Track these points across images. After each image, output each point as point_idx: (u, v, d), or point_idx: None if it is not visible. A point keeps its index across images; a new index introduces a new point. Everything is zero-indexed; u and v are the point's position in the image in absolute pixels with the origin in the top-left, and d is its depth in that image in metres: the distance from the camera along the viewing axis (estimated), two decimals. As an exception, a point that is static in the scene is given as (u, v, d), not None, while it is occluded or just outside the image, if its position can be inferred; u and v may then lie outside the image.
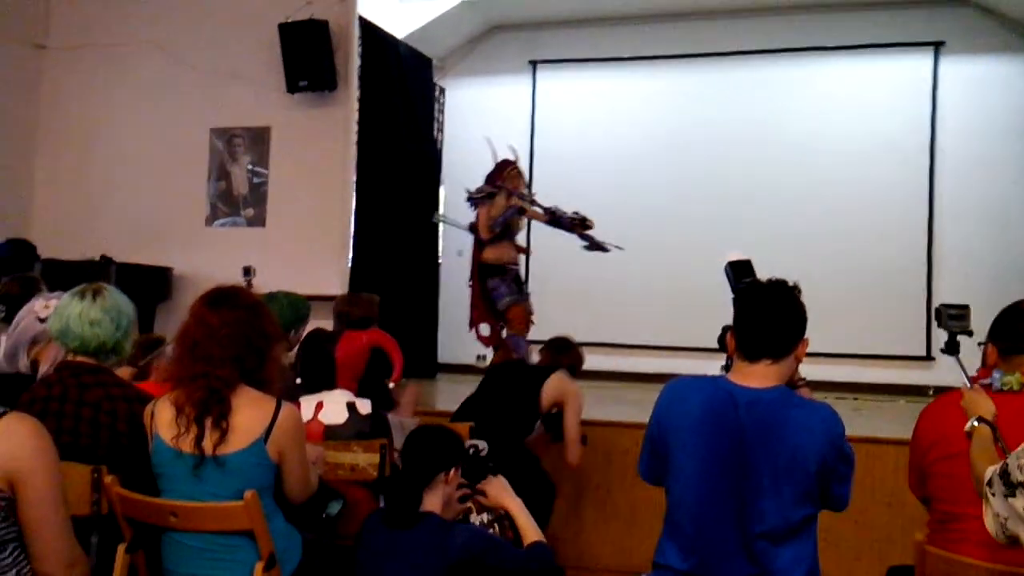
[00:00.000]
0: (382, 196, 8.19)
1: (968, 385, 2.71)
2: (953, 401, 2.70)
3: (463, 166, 9.35)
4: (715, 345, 3.00)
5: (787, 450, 2.46)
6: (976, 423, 2.48)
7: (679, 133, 9.66)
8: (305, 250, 7.73)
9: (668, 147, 9.65)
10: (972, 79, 9.04)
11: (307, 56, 7.57)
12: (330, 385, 3.91)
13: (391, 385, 4.52)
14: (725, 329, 2.81)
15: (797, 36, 9.43)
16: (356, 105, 7.94)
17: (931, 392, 7.55)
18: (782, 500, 2.44)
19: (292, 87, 7.69)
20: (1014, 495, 2.11)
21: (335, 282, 7.59)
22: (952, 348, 3.14)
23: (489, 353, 7.27)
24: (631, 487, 5.13)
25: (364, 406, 3.77)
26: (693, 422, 2.57)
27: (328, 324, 4.85)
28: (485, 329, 6.80)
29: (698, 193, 9.45)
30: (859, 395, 8.09)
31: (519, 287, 6.79)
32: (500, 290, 6.63)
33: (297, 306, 4.49)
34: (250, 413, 2.71)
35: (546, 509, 4.75)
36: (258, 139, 8.04)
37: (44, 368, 3.18)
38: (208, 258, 7.78)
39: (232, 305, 2.79)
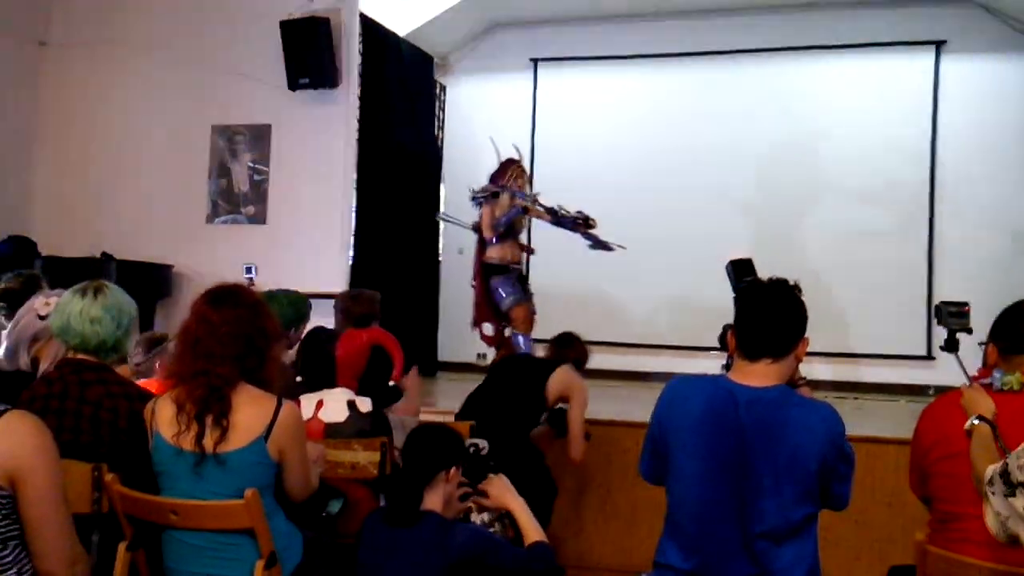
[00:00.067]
0: (383, 194, 8.19)
1: (968, 383, 2.71)
2: (954, 401, 2.70)
3: (464, 164, 9.37)
4: (716, 344, 3.00)
5: (788, 449, 2.46)
6: (976, 421, 2.49)
7: (680, 131, 9.65)
8: (306, 248, 7.72)
9: (669, 145, 9.63)
10: (974, 78, 9.03)
11: (308, 53, 7.56)
12: (330, 383, 3.91)
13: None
14: (726, 328, 2.82)
15: (799, 35, 9.42)
16: (357, 103, 7.94)
17: (932, 392, 7.55)
18: (783, 499, 2.44)
19: (293, 84, 7.68)
20: (1014, 494, 2.11)
21: (336, 280, 7.59)
22: (952, 345, 3.15)
23: (491, 352, 7.27)
24: (632, 486, 5.13)
25: (364, 404, 3.76)
26: (694, 421, 2.57)
27: (328, 322, 4.84)
28: (488, 328, 6.81)
29: (699, 192, 9.44)
30: (860, 394, 8.09)
31: (522, 287, 6.79)
32: (503, 290, 6.63)
33: (297, 304, 4.49)
34: (251, 411, 2.71)
35: (547, 508, 4.76)
36: (259, 136, 8.03)
37: (45, 366, 3.18)
38: (209, 256, 7.78)
39: (233, 303, 2.79)
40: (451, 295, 9.23)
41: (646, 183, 9.53)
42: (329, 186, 7.84)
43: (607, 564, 5.24)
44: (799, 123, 9.36)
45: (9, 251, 7.46)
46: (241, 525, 2.65)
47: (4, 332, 3.47)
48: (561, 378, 4.69)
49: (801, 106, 9.43)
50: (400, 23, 8.86)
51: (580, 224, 6.79)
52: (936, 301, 8.18)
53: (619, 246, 6.88)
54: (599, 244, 6.85)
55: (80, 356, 2.94)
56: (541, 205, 6.80)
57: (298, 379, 4.13)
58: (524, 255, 6.98)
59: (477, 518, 3.12)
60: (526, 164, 7.28)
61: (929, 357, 8.70)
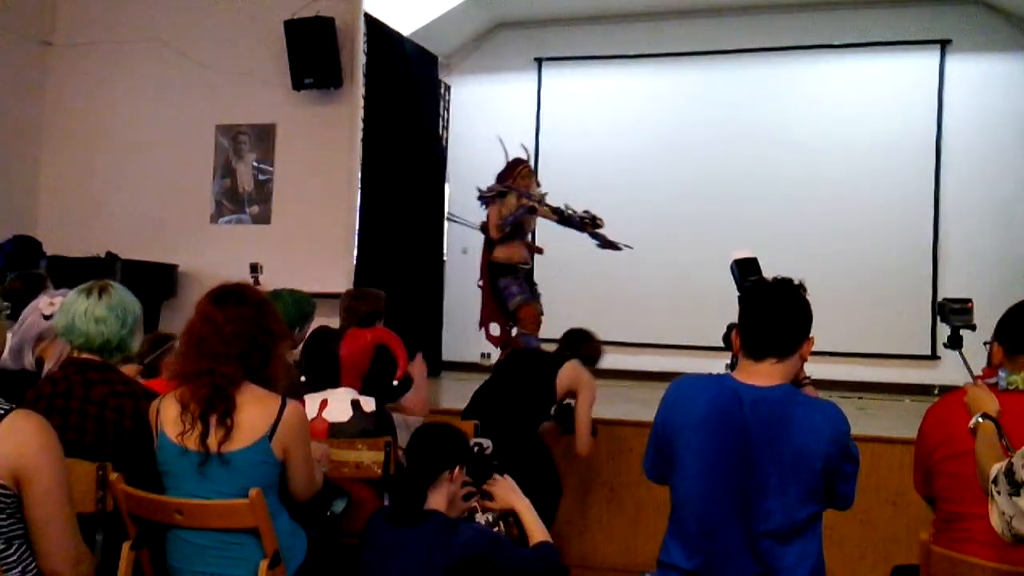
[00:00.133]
0: (387, 193, 8.19)
1: (972, 380, 2.70)
2: (958, 400, 2.70)
3: (468, 163, 9.38)
4: (720, 343, 3.00)
5: (792, 448, 2.45)
6: (980, 419, 2.48)
7: (684, 130, 9.65)
8: (310, 247, 7.73)
9: (673, 144, 9.64)
10: (978, 77, 9.02)
11: (313, 53, 7.57)
12: (334, 383, 3.91)
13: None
14: (730, 327, 2.81)
15: (803, 34, 9.42)
16: (361, 102, 7.94)
17: (936, 391, 7.53)
18: (787, 498, 2.44)
19: (297, 84, 7.69)
20: (1019, 494, 2.10)
21: (340, 279, 7.59)
22: (955, 342, 3.14)
23: (496, 352, 7.26)
24: (636, 485, 5.13)
25: (369, 404, 3.76)
26: (698, 421, 2.56)
27: (333, 321, 4.84)
28: (495, 329, 6.79)
29: (703, 191, 9.45)
30: (864, 394, 8.08)
31: (530, 286, 6.77)
32: (511, 289, 6.60)
33: (302, 304, 4.49)
34: (255, 411, 2.71)
35: (551, 507, 4.75)
36: (263, 136, 8.05)
37: (49, 365, 3.18)
38: (213, 255, 7.79)
39: (238, 302, 2.79)
40: (455, 295, 9.23)
41: (650, 181, 9.53)
42: (333, 186, 7.85)
43: (611, 563, 5.24)
44: (804, 122, 9.36)
45: (14, 250, 7.47)
46: (245, 524, 2.65)
47: (9, 332, 3.47)
48: (570, 372, 4.68)
49: (806, 105, 9.42)
50: (404, 23, 8.86)
51: (587, 224, 6.77)
52: (943, 298, 8.23)
53: (626, 246, 6.87)
54: (607, 244, 6.84)
55: (85, 356, 2.94)
56: (547, 205, 6.78)
57: (302, 379, 4.14)
58: (531, 255, 6.95)
59: (481, 518, 3.11)
60: (531, 163, 7.26)
61: (933, 356, 8.70)
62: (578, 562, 5.17)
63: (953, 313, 3.15)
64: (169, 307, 7.71)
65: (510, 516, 3.09)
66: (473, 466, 3.01)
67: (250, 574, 2.65)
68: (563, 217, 6.77)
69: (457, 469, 2.87)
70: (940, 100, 9.08)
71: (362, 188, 8.01)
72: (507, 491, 3.01)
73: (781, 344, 2.56)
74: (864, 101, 9.24)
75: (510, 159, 6.87)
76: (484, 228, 6.81)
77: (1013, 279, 8.02)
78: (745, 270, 3.06)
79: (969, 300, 3.18)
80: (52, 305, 3.25)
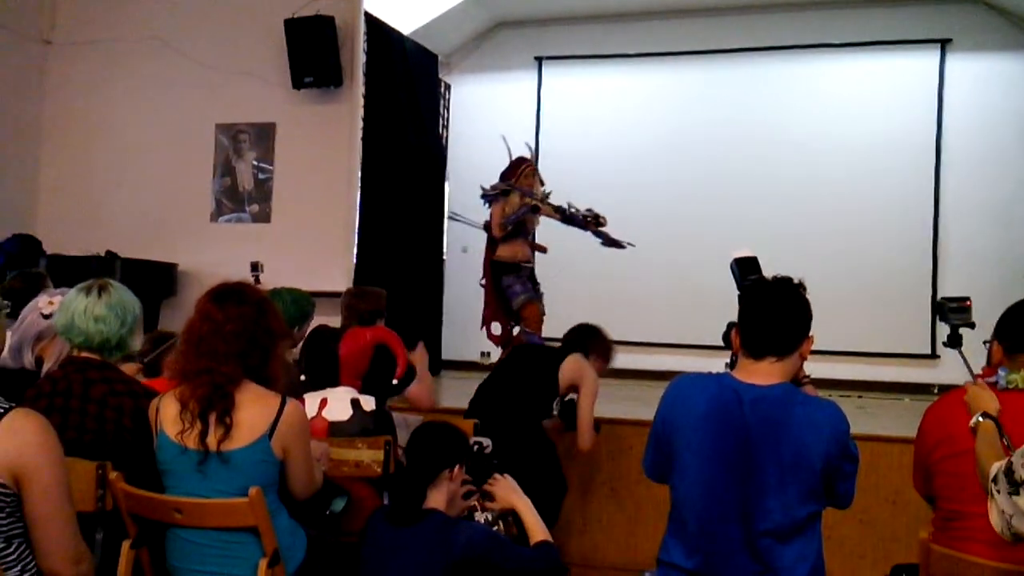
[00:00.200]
0: (387, 192, 8.18)
1: (972, 379, 2.70)
2: (958, 399, 2.69)
3: (468, 162, 9.38)
4: (720, 342, 3.00)
5: (792, 447, 2.45)
6: (980, 418, 2.48)
7: (684, 130, 9.65)
8: (310, 246, 7.73)
9: (673, 144, 9.64)
10: (979, 77, 9.02)
11: (313, 52, 7.57)
12: (334, 382, 3.91)
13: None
14: (730, 326, 2.81)
15: (803, 33, 9.41)
16: (361, 101, 7.94)
17: (936, 390, 7.54)
18: (787, 497, 2.44)
19: (297, 83, 7.69)
20: (1018, 493, 2.11)
21: (340, 278, 7.59)
22: (954, 341, 3.14)
23: (496, 351, 7.25)
24: (636, 484, 5.13)
25: (368, 403, 3.77)
26: (698, 419, 2.56)
27: (333, 320, 4.84)
28: (496, 328, 6.77)
29: (703, 190, 9.44)
30: (863, 393, 8.08)
31: (534, 285, 6.75)
32: (514, 288, 6.57)
33: (301, 303, 4.48)
34: (255, 409, 2.71)
35: (555, 504, 4.75)
36: (263, 135, 8.05)
37: (48, 364, 3.19)
38: (213, 254, 7.79)
39: (237, 301, 2.79)
40: (455, 294, 9.23)
41: (650, 180, 9.53)
42: (333, 185, 7.85)
43: (611, 562, 5.24)
44: (804, 122, 9.36)
45: (14, 249, 7.47)
46: (245, 523, 2.65)
47: (8, 331, 3.47)
48: (572, 366, 4.66)
49: (806, 105, 9.42)
50: (405, 22, 8.86)
51: (590, 222, 6.76)
52: (941, 297, 8.22)
53: (629, 244, 6.86)
54: (611, 242, 6.82)
55: (84, 354, 2.95)
56: (550, 204, 6.76)
57: (302, 378, 4.14)
58: (535, 254, 6.93)
59: (480, 516, 3.12)
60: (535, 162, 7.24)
61: (933, 356, 8.70)
62: (578, 561, 5.17)
63: (952, 312, 3.15)
64: (169, 306, 7.71)
65: (509, 515, 3.09)
66: (473, 465, 3.01)
67: (250, 573, 2.65)
68: (566, 216, 6.76)
69: (457, 468, 2.87)
70: (940, 99, 9.08)
71: (362, 187, 8.01)
72: (507, 490, 3.01)
73: (781, 343, 2.56)
74: (864, 100, 9.24)
75: (514, 158, 6.87)
76: (487, 227, 6.79)
77: (1013, 279, 8.01)
78: (745, 269, 3.06)
79: (967, 299, 3.18)
80: (51, 304, 3.26)
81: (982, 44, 9.00)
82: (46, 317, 3.26)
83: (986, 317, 3.00)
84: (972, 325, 3.16)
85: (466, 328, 8.29)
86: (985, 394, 2.57)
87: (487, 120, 9.64)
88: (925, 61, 9.15)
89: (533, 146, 7.45)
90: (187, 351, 2.75)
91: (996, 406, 2.49)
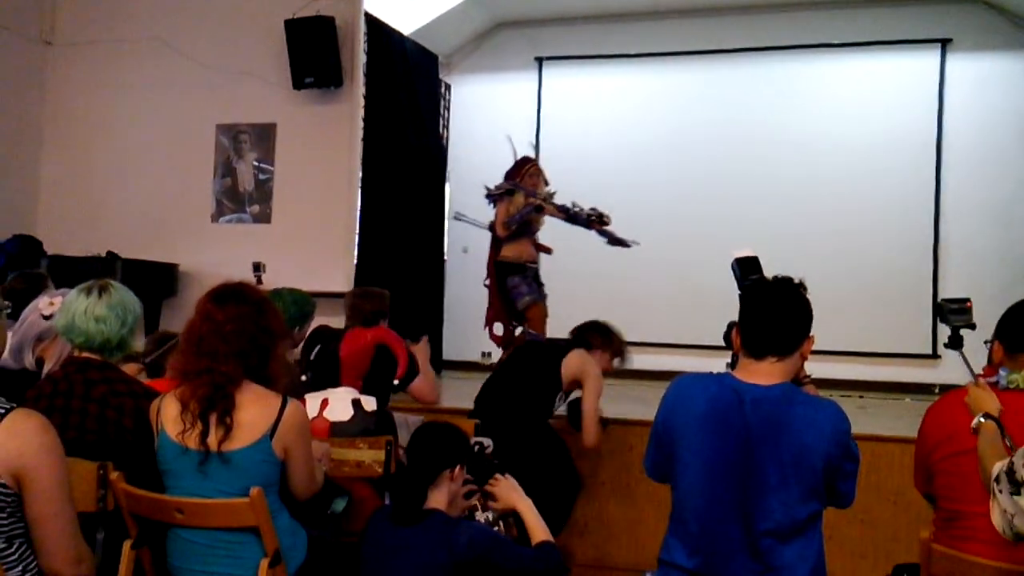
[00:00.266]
0: (388, 193, 8.18)
1: (973, 380, 2.70)
2: (959, 399, 2.70)
3: (469, 163, 9.37)
4: (721, 342, 2.99)
5: (793, 447, 2.45)
6: (982, 419, 2.48)
7: (684, 130, 9.64)
8: (310, 247, 7.73)
9: (673, 144, 9.63)
10: (979, 77, 9.01)
11: (313, 52, 7.57)
12: (335, 382, 3.92)
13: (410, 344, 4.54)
14: (730, 326, 2.81)
15: (803, 33, 9.40)
16: (362, 102, 7.93)
17: (937, 390, 7.53)
18: (788, 497, 2.44)
19: (298, 83, 7.69)
20: (1019, 492, 2.11)
21: (340, 279, 7.60)
22: (955, 342, 3.14)
23: (496, 351, 7.24)
24: (637, 484, 5.13)
25: (369, 403, 3.77)
26: (698, 419, 2.56)
27: (333, 320, 4.85)
28: (498, 328, 6.74)
29: (703, 190, 9.43)
30: (864, 393, 8.07)
31: (539, 286, 6.72)
32: (520, 289, 6.52)
33: (302, 303, 4.49)
34: (256, 410, 2.71)
35: (568, 501, 4.74)
36: (264, 135, 8.05)
37: (49, 365, 3.19)
38: (214, 254, 7.79)
39: (238, 301, 2.79)
40: (455, 294, 9.22)
41: (650, 180, 9.52)
42: (334, 185, 7.85)
43: (612, 562, 5.24)
44: (804, 122, 9.35)
45: (15, 250, 7.48)
46: (246, 523, 2.65)
47: (9, 332, 3.48)
48: (574, 360, 4.65)
49: (806, 105, 9.42)
50: (405, 22, 8.86)
51: (594, 221, 6.73)
52: (940, 298, 8.22)
53: (634, 242, 6.84)
54: (616, 241, 6.80)
55: (85, 355, 2.95)
56: (554, 203, 6.74)
57: (303, 378, 4.14)
58: (540, 254, 6.90)
59: (481, 516, 3.12)
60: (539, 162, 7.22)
61: (934, 355, 8.69)
62: (579, 561, 5.17)
63: (952, 313, 3.15)
64: (169, 306, 7.71)
65: (510, 516, 3.09)
66: (474, 465, 3.01)
67: (251, 573, 2.65)
68: (570, 215, 6.73)
69: (458, 468, 2.87)
70: (941, 99, 9.07)
71: (362, 187, 8.00)
72: (508, 491, 3.01)
73: (781, 343, 2.56)
74: (865, 100, 9.23)
75: (518, 157, 6.85)
76: (492, 227, 6.77)
77: (1013, 279, 8.01)
78: (746, 269, 3.05)
79: (968, 300, 3.18)
80: (52, 305, 3.26)
81: (982, 44, 9.00)
82: (47, 318, 3.27)
83: (987, 317, 3.00)
84: (973, 326, 3.16)
85: (467, 328, 8.28)
86: (986, 395, 2.57)
87: (487, 120, 9.64)
88: (925, 61, 9.14)
89: (533, 146, 7.43)
90: (187, 351, 2.76)
91: (997, 406, 2.49)
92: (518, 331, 6.68)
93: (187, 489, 2.69)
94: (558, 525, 4.81)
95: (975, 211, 8.86)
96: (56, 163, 8.48)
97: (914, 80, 9.17)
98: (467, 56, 10.46)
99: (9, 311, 3.56)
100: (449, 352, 9.22)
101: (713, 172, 9.43)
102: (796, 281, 2.66)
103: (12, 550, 2.17)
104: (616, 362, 4.95)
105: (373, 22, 8.04)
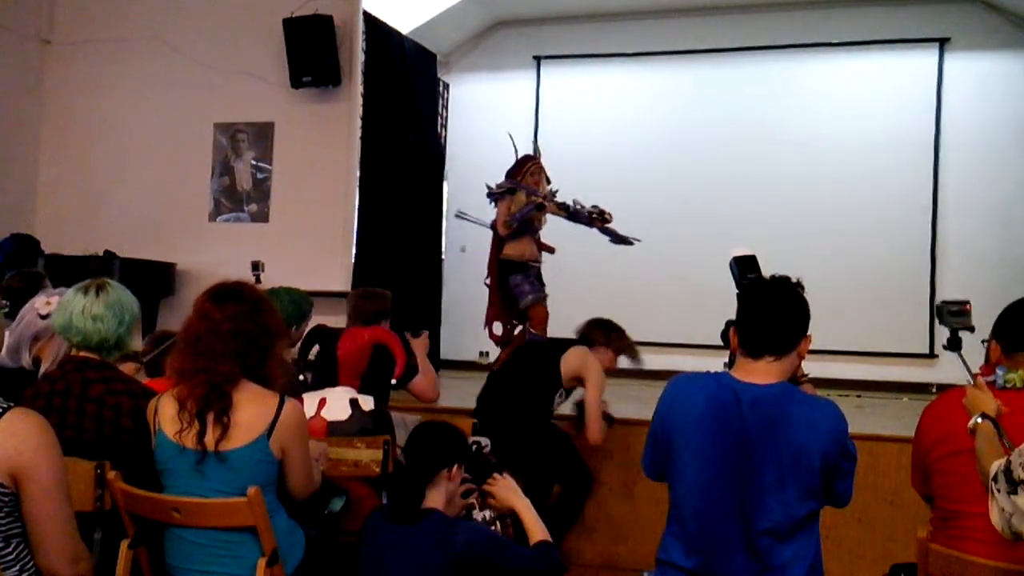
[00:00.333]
0: (386, 192, 8.17)
1: (971, 382, 2.71)
2: (957, 398, 2.69)
3: (467, 162, 9.37)
4: (719, 341, 3.00)
5: (791, 446, 2.45)
6: (979, 420, 2.48)
7: (683, 129, 9.65)
8: (308, 246, 7.73)
9: (672, 143, 9.63)
10: (977, 76, 9.01)
11: (311, 51, 7.57)
12: (333, 382, 3.92)
13: (409, 336, 4.54)
14: (728, 324, 2.81)
15: (802, 32, 9.41)
16: (360, 100, 7.93)
17: (934, 389, 7.53)
18: (786, 496, 2.44)
19: (296, 82, 7.68)
20: (1016, 492, 2.11)
21: (338, 278, 7.60)
22: (954, 345, 3.14)
23: (494, 351, 7.22)
24: (635, 484, 5.14)
25: (367, 403, 3.77)
26: (696, 419, 2.56)
27: (330, 320, 4.85)
28: (497, 328, 6.72)
29: (702, 189, 9.44)
30: (862, 392, 8.08)
31: (541, 285, 6.69)
32: (523, 288, 6.47)
33: (299, 302, 4.49)
34: (253, 409, 2.71)
35: (579, 496, 4.73)
36: (262, 134, 8.04)
37: (46, 364, 3.19)
38: (212, 254, 7.79)
39: (236, 300, 2.79)
40: (453, 293, 9.23)
41: (648, 180, 9.52)
42: (332, 184, 7.85)
43: (611, 562, 5.24)
44: (803, 121, 9.35)
45: (13, 249, 7.47)
46: (243, 523, 2.65)
47: (7, 331, 3.48)
48: (574, 357, 4.65)
49: (805, 104, 9.42)
50: (403, 21, 8.85)
51: (596, 219, 6.70)
52: (938, 298, 8.21)
53: (636, 239, 6.83)
54: (619, 239, 6.77)
55: (83, 354, 2.94)
56: (555, 201, 6.71)
57: (301, 377, 4.14)
58: (543, 253, 6.87)
59: (478, 515, 3.12)
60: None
61: (931, 355, 8.70)
62: (577, 560, 5.17)
63: (951, 315, 3.15)
64: (167, 305, 7.71)
65: (507, 516, 3.09)
66: (472, 464, 3.01)
67: (248, 572, 2.65)
68: (571, 213, 6.70)
69: (455, 467, 2.87)
70: (939, 99, 9.08)
71: (360, 186, 8.00)
72: (506, 490, 3.01)
73: (779, 342, 2.56)
74: (863, 100, 9.23)
75: (519, 155, 6.84)
76: (494, 226, 6.75)
77: (1012, 279, 8.02)
78: (744, 267, 3.06)
79: (967, 302, 3.19)
80: (48, 304, 3.26)
81: (981, 43, 9.00)
82: (43, 317, 3.27)
83: (985, 317, 3.00)
84: (972, 329, 3.16)
85: (464, 328, 8.28)
86: (984, 396, 2.57)
87: (486, 119, 9.64)
88: (924, 60, 9.14)
89: (531, 145, 7.41)
90: (185, 350, 2.75)
91: (994, 407, 2.49)
92: (517, 330, 6.67)
93: (184, 488, 2.69)
94: (570, 522, 4.81)
95: (973, 210, 8.87)
96: (54, 162, 8.48)
97: (912, 79, 9.18)
98: (465, 55, 10.46)
99: (6, 310, 3.56)
100: (447, 351, 9.22)
101: (711, 172, 9.44)
102: (794, 280, 2.66)
103: (10, 549, 2.17)
104: (627, 361, 4.95)
105: (371, 21, 8.04)
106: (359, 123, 7.93)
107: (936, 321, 5.56)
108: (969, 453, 2.46)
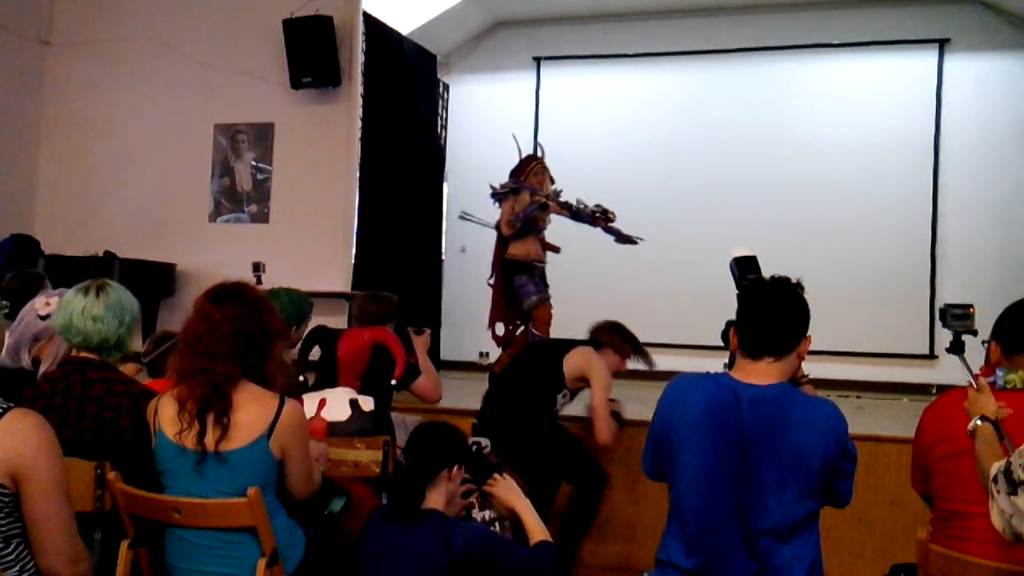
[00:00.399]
0: (386, 192, 8.18)
1: (974, 384, 2.71)
2: (957, 399, 2.69)
3: (467, 162, 9.38)
4: (720, 342, 2.99)
5: (791, 447, 2.45)
6: (979, 422, 2.48)
7: (684, 130, 9.65)
8: (308, 246, 7.73)
9: (672, 144, 9.63)
10: (977, 77, 9.02)
11: (311, 52, 7.57)
12: (333, 382, 3.91)
13: (412, 332, 4.53)
14: (728, 325, 2.81)
15: (802, 33, 9.41)
16: (360, 101, 7.94)
17: (934, 390, 7.53)
18: (786, 497, 2.44)
19: (296, 83, 7.69)
20: (1016, 493, 2.11)
21: (338, 279, 7.60)
22: (957, 348, 3.14)
23: (495, 351, 7.21)
24: (635, 484, 5.13)
25: (367, 403, 3.77)
26: (696, 419, 2.56)
27: (330, 320, 4.86)
28: (500, 328, 6.70)
29: (702, 189, 9.44)
30: (862, 393, 8.07)
31: (545, 286, 6.67)
32: (527, 288, 6.45)
33: (299, 303, 4.48)
34: (253, 410, 2.71)
35: (593, 494, 4.71)
36: (262, 135, 8.05)
37: (45, 365, 3.18)
38: (212, 254, 7.80)
39: (235, 301, 2.79)
40: (453, 294, 9.23)
41: (648, 180, 9.52)
42: (332, 185, 7.85)
43: (611, 562, 5.23)
44: (803, 122, 9.35)
45: (12, 249, 7.47)
46: (243, 523, 2.65)
47: (7, 331, 3.48)
48: (577, 357, 4.63)
49: (805, 105, 9.42)
50: (403, 21, 8.86)
51: (599, 218, 6.67)
52: (939, 299, 8.22)
53: (639, 238, 6.81)
54: (623, 238, 6.75)
55: (83, 355, 2.94)
56: (558, 201, 6.70)
57: (301, 378, 4.14)
58: (547, 253, 6.85)
59: (478, 516, 3.12)
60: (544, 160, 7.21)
61: (931, 356, 8.70)
62: (577, 561, 5.16)
63: (954, 318, 3.14)
64: (167, 306, 7.71)
65: (507, 517, 3.09)
66: (472, 465, 3.01)
67: (248, 573, 2.65)
68: (574, 212, 6.68)
69: (455, 468, 2.87)
70: (939, 99, 9.08)
71: (360, 187, 8.01)
72: (507, 491, 3.01)
73: (779, 343, 2.56)
74: (863, 100, 9.23)
75: (523, 156, 6.83)
76: (498, 226, 6.73)
77: (1012, 279, 8.02)
78: (744, 268, 3.05)
79: (970, 305, 3.18)
80: (48, 305, 3.26)
81: (981, 44, 9.00)
82: (43, 318, 3.27)
83: (985, 317, 3.00)
84: (974, 332, 3.16)
85: (464, 328, 8.29)
86: (985, 398, 2.57)
87: (486, 120, 9.65)
88: (924, 61, 9.15)
89: (540, 145, 7.40)
90: (185, 351, 2.75)
91: (995, 409, 2.48)
92: (519, 332, 6.65)
93: (184, 489, 2.69)
94: (587, 522, 4.78)
95: (973, 211, 8.87)
96: (54, 162, 8.48)
97: (912, 80, 9.18)
98: (465, 56, 10.46)
99: (6, 311, 3.56)
100: (447, 352, 9.23)
101: (711, 172, 9.44)
102: (793, 281, 2.66)
103: (9, 550, 2.17)
104: (639, 363, 4.94)
105: (371, 22, 8.04)
106: (359, 124, 7.93)
107: (936, 322, 5.56)
108: (969, 453, 2.45)
